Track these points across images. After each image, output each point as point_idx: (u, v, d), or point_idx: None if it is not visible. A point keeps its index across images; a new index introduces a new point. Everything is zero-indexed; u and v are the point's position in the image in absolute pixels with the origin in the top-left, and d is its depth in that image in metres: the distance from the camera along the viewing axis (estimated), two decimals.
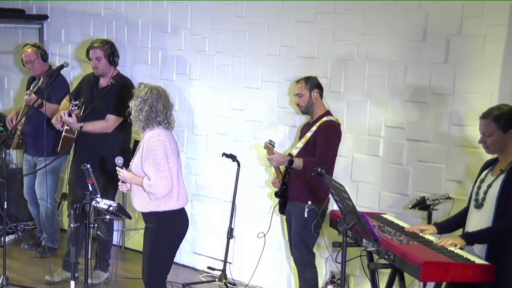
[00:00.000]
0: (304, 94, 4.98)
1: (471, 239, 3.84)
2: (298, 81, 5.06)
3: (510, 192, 3.73)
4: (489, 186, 3.84)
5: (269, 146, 4.94)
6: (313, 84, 5.00)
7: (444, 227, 4.15)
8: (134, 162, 4.39)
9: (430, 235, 4.11)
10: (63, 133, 5.58)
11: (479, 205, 3.87)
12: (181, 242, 4.51)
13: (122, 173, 4.38)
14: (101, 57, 5.58)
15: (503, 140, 3.79)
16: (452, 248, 3.83)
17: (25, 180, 6.49)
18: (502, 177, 3.79)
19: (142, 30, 6.47)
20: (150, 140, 4.29)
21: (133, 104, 4.37)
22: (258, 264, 5.65)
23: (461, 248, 3.85)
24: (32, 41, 6.56)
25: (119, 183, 4.47)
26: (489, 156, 4.03)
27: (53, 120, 5.58)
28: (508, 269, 3.69)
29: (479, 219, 3.85)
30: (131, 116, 4.43)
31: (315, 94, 4.98)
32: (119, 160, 4.39)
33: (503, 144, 3.81)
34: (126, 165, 4.46)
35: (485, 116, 3.83)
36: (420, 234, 4.11)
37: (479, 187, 3.92)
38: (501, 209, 3.75)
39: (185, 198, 4.50)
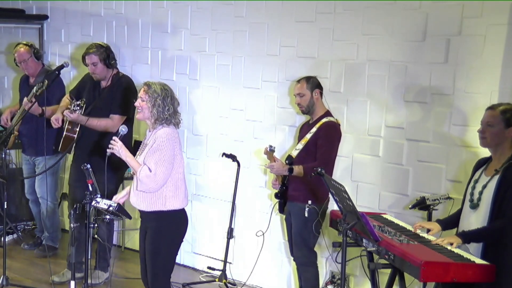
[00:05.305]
0: (305, 94, 4.96)
1: (467, 237, 3.85)
2: (298, 81, 5.04)
3: (505, 192, 3.74)
4: (484, 186, 3.85)
5: (269, 152, 4.94)
6: (314, 84, 4.98)
7: (448, 224, 4.15)
8: (140, 160, 4.33)
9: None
10: (64, 132, 5.57)
11: (474, 206, 3.89)
12: (182, 241, 4.51)
13: (118, 145, 4.28)
14: (97, 62, 5.56)
15: (502, 135, 3.83)
16: (449, 247, 3.83)
17: (26, 179, 6.48)
18: (497, 177, 3.81)
19: (142, 30, 6.47)
20: (162, 138, 4.25)
21: (150, 104, 4.28)
22: (258, 264, 5.65)
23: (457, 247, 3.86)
24: (32, 41, 6.55)
25: (109, 146, 4.33)
26: (484, 154, 4.04)
27: (53, 118, 5.58)
28: (505, 269, 3.69)
29: (475, 220, 3.87)
30: (144, 116, 4.33)
31: (316, 94, 4.97)
32: (123, 128, 4.36)
33: (500, 139, 3.84)
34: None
35: (493, 107, 3.90)
36: (421, 234, 4.11)
37: (473, 188, 3.94)
38: (496, 209, 3.77)
39: (187, 198, 4.50)
